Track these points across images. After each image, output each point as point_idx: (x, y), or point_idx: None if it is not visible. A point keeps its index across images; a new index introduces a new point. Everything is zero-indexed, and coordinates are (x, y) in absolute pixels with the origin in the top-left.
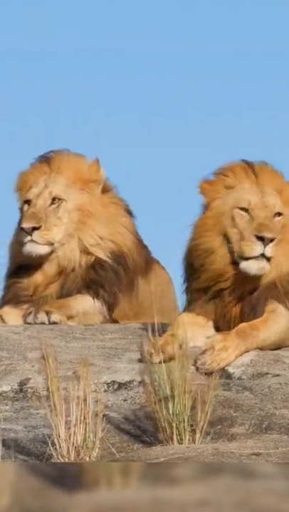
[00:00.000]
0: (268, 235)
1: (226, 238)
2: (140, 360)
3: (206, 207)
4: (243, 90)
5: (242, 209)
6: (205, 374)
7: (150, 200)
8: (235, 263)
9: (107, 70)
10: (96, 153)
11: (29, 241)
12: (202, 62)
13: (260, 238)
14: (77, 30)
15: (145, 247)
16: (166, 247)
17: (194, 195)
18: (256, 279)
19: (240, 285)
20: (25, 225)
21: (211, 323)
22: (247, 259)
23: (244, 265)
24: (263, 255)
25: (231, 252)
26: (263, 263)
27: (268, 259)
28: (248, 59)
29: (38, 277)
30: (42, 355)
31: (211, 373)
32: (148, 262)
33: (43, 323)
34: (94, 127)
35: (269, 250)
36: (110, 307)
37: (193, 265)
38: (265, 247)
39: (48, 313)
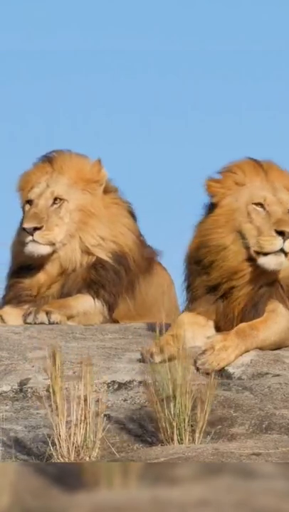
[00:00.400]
0: (288, 229)
1: (240, 234)
2: (140, 360)
3: (215, 205)
4: (243, 90)
5: (257, 205)
6: (205, 374)
7: (150, 200)
8: (249, 259)
9: (107, 70)
10: (96, 153)
11: (31, 241)
12: (202, 62)
13: (280, 233)
14: (77, 30)
15: (147, 247)
16: (166, 248)
17: (193, 196)
18: (272, 274)
19: (254, 281)
20: (27, 225)
21: (211, 323)
22: (265, 254)
23: (263, 261)
24: (281, 250)
25: (246, 248)
26: (282, 258)
27: (286, 254)
28: (248, 59)
29: (41, 277)
30: (47, 354)
31: (212, 373)
32: (149, 263)
33: (43, 323)
34: (94, 127)
35: (287, 245)
36: (111, 307)
37: (201, 262)
38: (284, 241)
39: (48, 313)
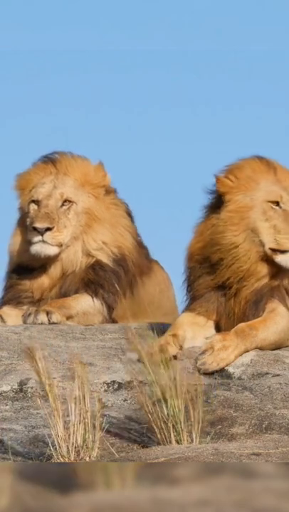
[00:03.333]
0: None
1: (253, 233)
2: (140, 360)
3: (225, 202)
4: (243, 91)
5: (274, 203)
6: (205, 374)
7: (148, 200)
8: (262, 259)
9: (106, 69)
10: (95, 152)
11: (40, 241)
12: (202, 62)
13: None
14: (77, 30)
15: (145, 247)
16: (165, 248)
17: (191, 196)
18: (286, 272)
19: (264, 280)
20: (40, 224)
21: (211, 323)
22: (283, 252)
23: (280, 258)
24: None
25: (258, 246)
26: None
27: None
28: (249, 59)
29: (44, 280)
30: (31, 356)
31: (211, 373)
32: (147, 262)
33: (44, 324)
34: (94, 127)
35: None
36: (110, 307)
37: (207, 260)
38: None
39: (48, 313)
